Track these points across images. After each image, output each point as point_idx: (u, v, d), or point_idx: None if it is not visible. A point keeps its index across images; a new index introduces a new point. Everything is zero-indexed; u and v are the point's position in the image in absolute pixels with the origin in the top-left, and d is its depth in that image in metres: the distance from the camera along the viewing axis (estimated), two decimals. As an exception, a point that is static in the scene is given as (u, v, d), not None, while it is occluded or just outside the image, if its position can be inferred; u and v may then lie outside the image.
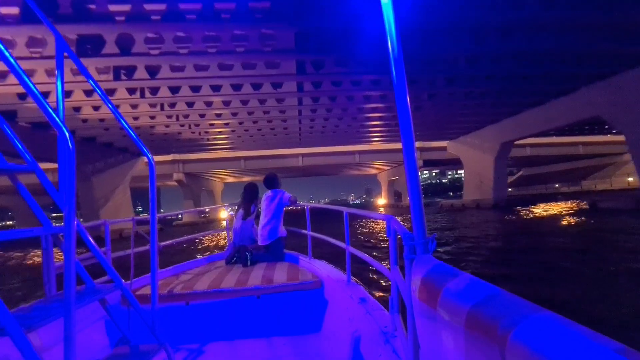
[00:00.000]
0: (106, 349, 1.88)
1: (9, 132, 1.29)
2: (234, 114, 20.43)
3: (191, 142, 27.41)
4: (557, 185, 56.22)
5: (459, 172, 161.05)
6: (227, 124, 22.35)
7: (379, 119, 24.17)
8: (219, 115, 20.54)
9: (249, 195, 3.59)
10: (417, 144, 41.43)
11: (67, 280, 0.98)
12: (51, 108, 1.07)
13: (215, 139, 26.92)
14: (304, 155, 41.61)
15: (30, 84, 1.05)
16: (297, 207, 3.56)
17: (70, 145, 1.04)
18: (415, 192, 1.01)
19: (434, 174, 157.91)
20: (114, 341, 1.86)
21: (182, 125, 22.11)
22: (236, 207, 3.68)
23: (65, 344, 0.96)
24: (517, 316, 0.47)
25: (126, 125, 1.57)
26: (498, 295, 0.56)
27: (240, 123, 22.39)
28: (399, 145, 29.72)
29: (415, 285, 0.82)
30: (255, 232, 3.47)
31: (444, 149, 38.46)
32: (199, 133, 24.56)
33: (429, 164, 44.93)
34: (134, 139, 1.56)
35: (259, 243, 3.28)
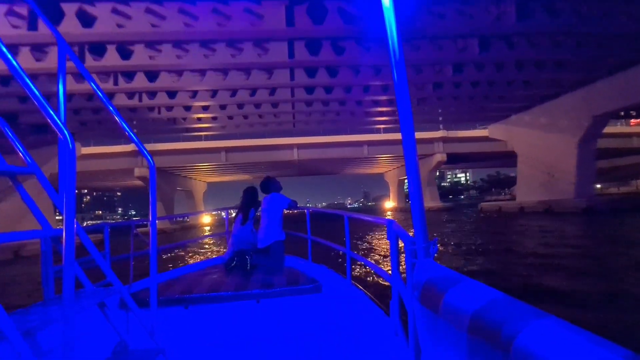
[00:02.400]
0: (104, 353, 1.79)
1: (10, 133, 1.32)
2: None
3: (146, 117, 19.32)
4: (598, 186, 48.55)
5: (459, 175, 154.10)
6: (195, 93, 14.29)
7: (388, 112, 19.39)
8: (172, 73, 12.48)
9: (248, 199, 3.56)
10: (440, 134, 33.85)
11: (66, 283, 1.04)
12: (52, 109, 1.10)
13: (185, 114, 18.87)
14: (299, 146, 33.73)
15: (32, 86, 1.07)
16: (295, 210, 3.49)
17: (71, 147, 1.10)
18: (416, 194, 0.98)
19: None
20: (112, 345, 1.75)
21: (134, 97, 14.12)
22: (235, 211, 3.71)
23: (63, 347, 1.01)
24: (521, 321, 0.46)
25: (127, 128, 1.61)
26: (501, 300, 0.55)
27: (216, 97, 14.35)
28: (417, 135, 24.95)
29: (416, 290, 0.81)
30: (254, 236, 3.44)
31: (479, 139, 30.70)
32: (149, 105, 16.47)
33: (454, 159, 36.40)
34: (134, 140, 1.63)
35: (258, 246, 3.27)
